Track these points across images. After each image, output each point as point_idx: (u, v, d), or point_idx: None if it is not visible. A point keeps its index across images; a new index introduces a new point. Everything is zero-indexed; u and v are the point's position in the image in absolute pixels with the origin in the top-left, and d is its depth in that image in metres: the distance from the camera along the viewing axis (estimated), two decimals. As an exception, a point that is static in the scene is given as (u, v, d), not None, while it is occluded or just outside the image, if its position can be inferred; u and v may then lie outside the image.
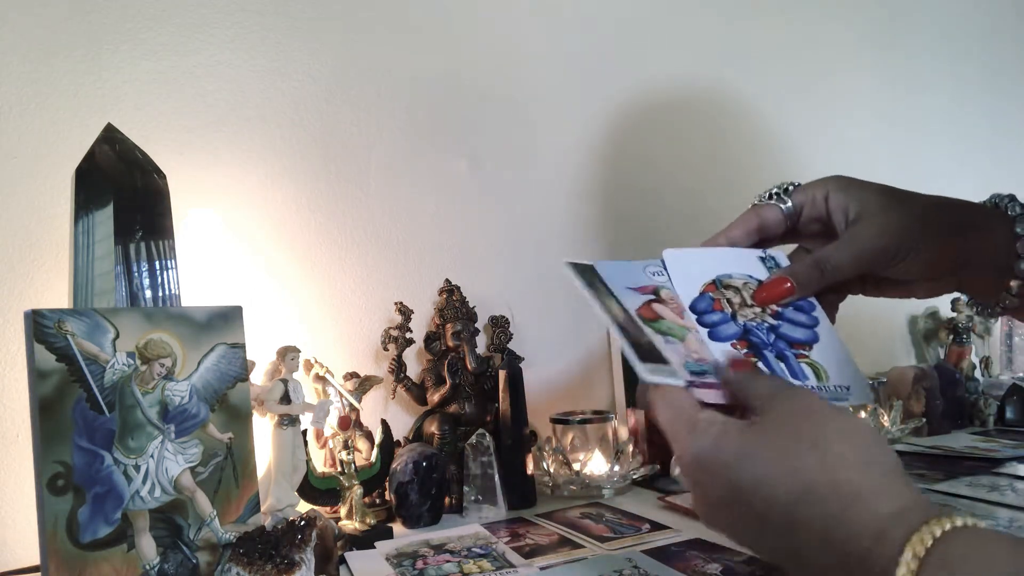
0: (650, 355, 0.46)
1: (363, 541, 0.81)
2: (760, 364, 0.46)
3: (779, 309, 0.50)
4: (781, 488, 0.34)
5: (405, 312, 1.02)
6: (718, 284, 0.52)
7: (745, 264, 0.54)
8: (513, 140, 1.23)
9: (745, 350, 0.48)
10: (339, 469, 0.89)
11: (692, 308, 0.50)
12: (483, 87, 1.21)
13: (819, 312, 0.51)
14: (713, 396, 0.44)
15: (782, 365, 0.47)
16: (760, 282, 0.52)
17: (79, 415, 0.64)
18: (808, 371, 0.47)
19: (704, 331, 0.49)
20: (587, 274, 0.51)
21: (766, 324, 0.49)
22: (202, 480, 0.69)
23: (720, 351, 0.48)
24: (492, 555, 0.74)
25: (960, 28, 1.81)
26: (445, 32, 1.19)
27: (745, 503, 0.36)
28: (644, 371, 0.45)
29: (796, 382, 0.46)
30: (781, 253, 0.55)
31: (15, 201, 0.89)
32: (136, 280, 0.77)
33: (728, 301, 0.51)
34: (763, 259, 0.54)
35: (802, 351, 0.48)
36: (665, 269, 0.53)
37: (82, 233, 0.75)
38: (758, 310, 0.50)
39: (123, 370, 0.67)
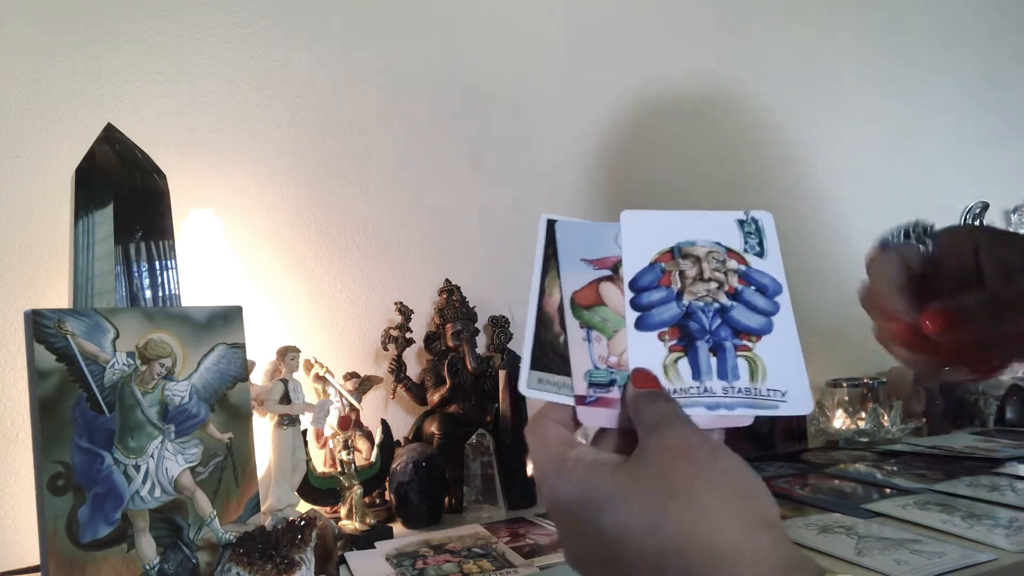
0: (545, 360, 0.41)
1: (363, 541, 0.81)
2: (685, 360, 0.41)
3: (738, 287, 0.44)
4: (650, 540, 0.32)
5: (405, 312, 1.02)
6: (676, 253, 0.45)
7: (717, 229, 0.46)
8: (513, 140, 1.23)
9: (674, 340, 0.41)
10: (339, 469, 0.89)
11: (632, 284, 0.43)
12: (483, 87, 1.21)
13: (784, 297, 0.44)
14: (607, 419, 0.39)
15: (713, 360, 0.41)
16: (728, 250, 0.45)
17: (79, 415, 0.64)
18: (743, 368, 0.41)
19: (633, 317, 0.42)
20: (548, 236, 0.45)
21: (716, 305, 0.43)
22: (202, 480, 0.69)
23: (642, 344, 0.41)
24: (492, 555, 0.74)
25: (961, 29, 1.81)
26: (445, 32, 1.19)
27: (614, 552, 0.34)
28: (524, 381, 0.40)
29: (722, 383, 0.41)
30: (767, 214, 0.47)
31: (15, 201, 0.89)
32: (136, 280, 0.77)
33: (680, 274, 0.44)
34: (742, 222, 0.46)
35: (747, 342, 0.42)
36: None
37: (82, 233, 0.75)
38: (713, 286, 0.43)
39: (123, 370, 0.67)
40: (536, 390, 0.40)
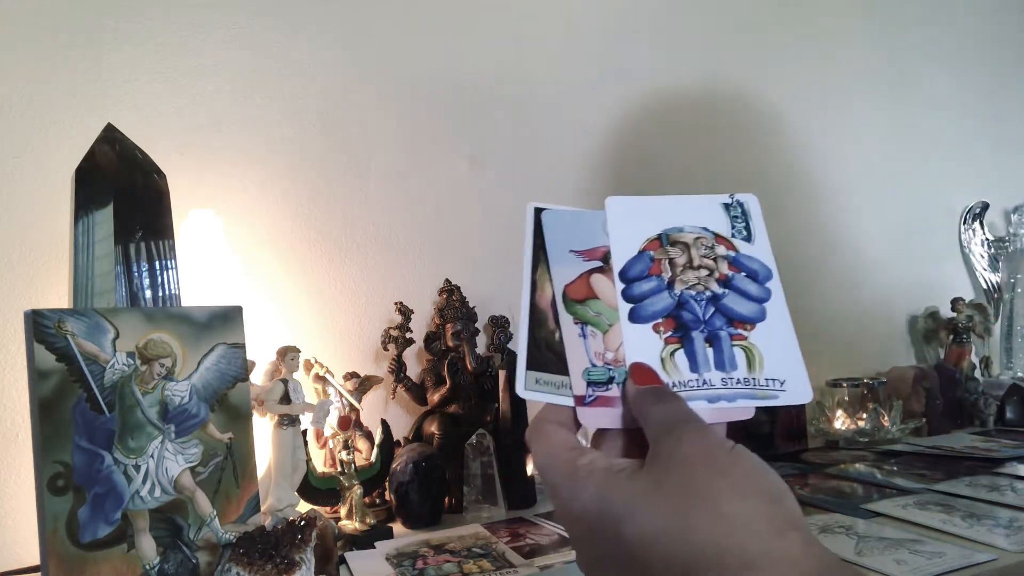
0: (542, 359, 0.40)
1: (363, 541, 0.81)
2: (682, 352, 0.40)
3: (729, 274, 0.42)
4: (678, 550, 0.31)
5: (405, 312, 1.02)
6: (664, 240, 0.43)
7: (703, 213, 0.45)
8: (513, 140, 1.23)
9: (669, 332, 0.40)
10: (339, 469, 0.89)
11: (623, 274, 0.42)
12: (484, 87, 1.21)
13: (775, 283, 0.43)
14: (609, 419, 0.38)
15: (710, 351, 0.40)
16: (716, 235, 0.44)
17: (79, 415, 0.64)
18: (740, 358, 0.40)
19: (626, 309, 0.41)
20: (536, 227, 0.43)
21: (708, 293, 0.42)
22: (202, 480, 0.69)
23: (638, 337, 0.40)
24: (492, 555, 0.74)
25: (962, 30, 1.81)
26: (446, 32, 1.19)
27: (640, 563, 0.32)
28: (520, 384, 0.39)
29: (720, 374, 0.39)
30: (752, 197, 0.46)
31: (15, 201, 0.89)
32: (136, 280, 0.77)
33: (670, 262, 0.42)
34: (727, 205, 0.45)
35: (741, 330, 0.41)
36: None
37: (82, 233, 0.75)
38: (703, 273, 0.42)
39: (123, 370, 0.67)
40: (534, 391, 0.39)
